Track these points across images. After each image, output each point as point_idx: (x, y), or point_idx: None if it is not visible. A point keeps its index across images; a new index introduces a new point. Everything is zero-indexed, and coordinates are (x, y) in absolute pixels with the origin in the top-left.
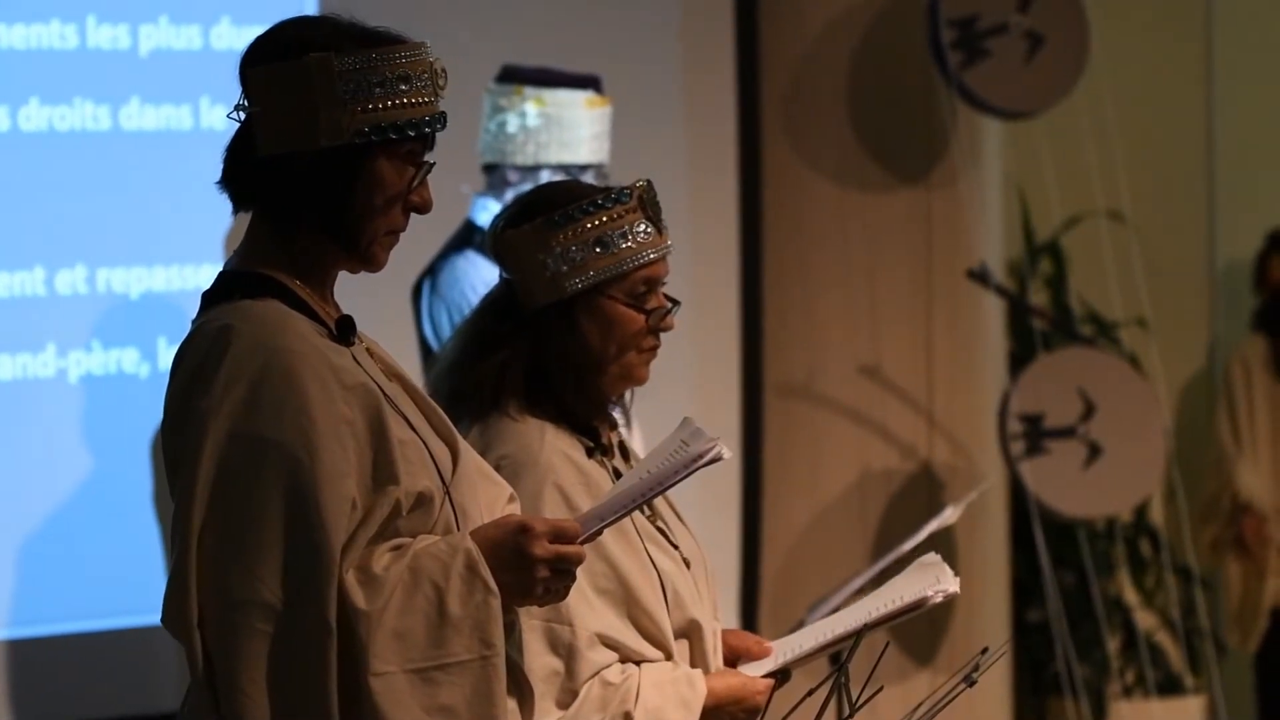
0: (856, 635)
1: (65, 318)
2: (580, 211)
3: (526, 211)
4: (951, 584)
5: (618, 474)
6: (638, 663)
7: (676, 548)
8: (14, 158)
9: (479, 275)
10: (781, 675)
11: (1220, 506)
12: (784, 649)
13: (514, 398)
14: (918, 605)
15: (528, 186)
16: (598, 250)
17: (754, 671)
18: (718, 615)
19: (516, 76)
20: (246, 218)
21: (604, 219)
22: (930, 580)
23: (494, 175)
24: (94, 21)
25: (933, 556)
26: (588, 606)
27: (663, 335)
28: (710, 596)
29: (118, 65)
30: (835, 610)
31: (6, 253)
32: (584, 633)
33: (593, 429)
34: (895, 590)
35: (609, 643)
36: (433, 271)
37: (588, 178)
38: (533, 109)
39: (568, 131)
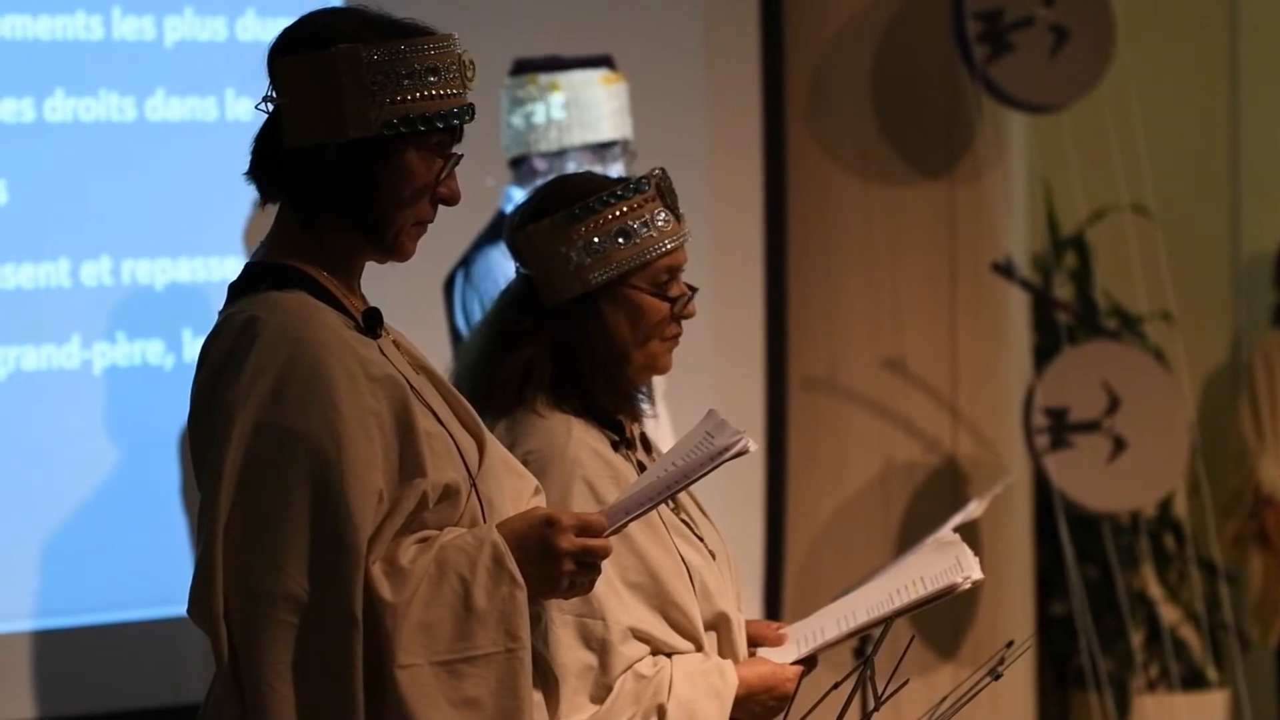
0: (884, 627)
1: (90, 309)
2: (600, 203)
3: (545, 206)
4: (976, 570)
5: (641, 467)
6: (669, 655)
7: (702, 540)
8: (39, 149)
9: (512, 267)
10: (808, 662)
11: (1242, 500)
12: (805, 634)
13: (540, 392)
14: (945, 593)
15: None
16: (620, 241)
17: (780, 659)
18: (741, 607)
19: (528, 68)
20: (265, 212)
21: (625, 209)
22: (951, 564)
23: (521, 167)
24: (119, 13)
25: (951, 535)
26: (619, 600)
27: (687, 330)
28: (734, 588)
29: (143, 57)
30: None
31: (32, 244)
32: (616, 627)
33: (617, 422)
34: (914, 570)
35: (641, 636)
36: (466, 263)
37: (614, 154)
38: (558, 99)
39: (587, 111)
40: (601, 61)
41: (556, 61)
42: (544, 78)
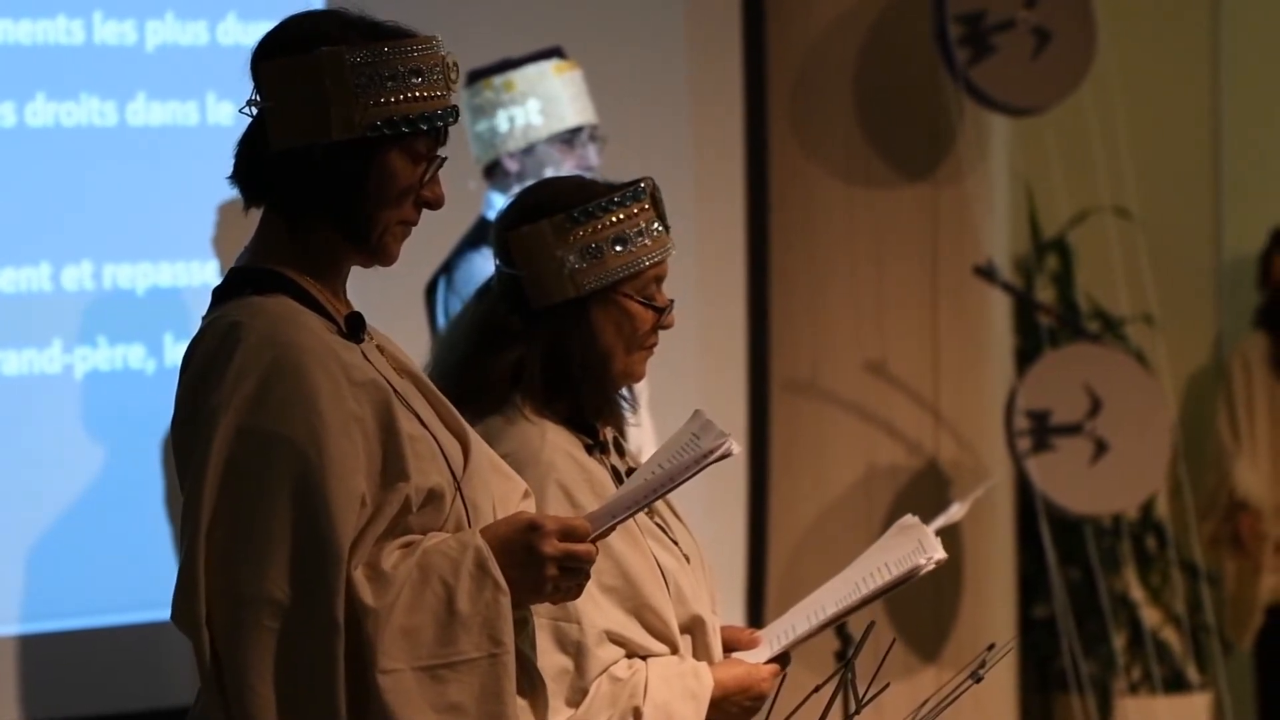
0: (865, 630)
1: (71, 314)
2: (601, 209)
3: (541, 207)
4: (938, 550)
5: (615, 471)
6: (644, 658)
7: (676, 543)
8: (20, 153)
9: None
10: (781, 660)
11: (1218, 503)
12: (778, 633)
13: (527, 394)
14: (909, 576)
15: (530, 172)
16: (618, 248)
17: (754, 659)
18: (716, 610)
19: (480, 75)
20: (236, 220)
21: (622, 216)
22: (914, 547)
23: (495, 171)
24: (100, 17)
25: (911, 519)
26: (594, 604)
27: (671, 332)
28: (709, 591)
29: (124, 61)
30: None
31: (13, 248)
32: (592, 630)
33: (592, 426)
34: (878, 557)
35: (616, 639)
36: (448, 268)
37: (582, 140)
38: (534, 105)
39: (547, 103)
40: (551, 53)
41: (506, 62)
42: (498, 79)
